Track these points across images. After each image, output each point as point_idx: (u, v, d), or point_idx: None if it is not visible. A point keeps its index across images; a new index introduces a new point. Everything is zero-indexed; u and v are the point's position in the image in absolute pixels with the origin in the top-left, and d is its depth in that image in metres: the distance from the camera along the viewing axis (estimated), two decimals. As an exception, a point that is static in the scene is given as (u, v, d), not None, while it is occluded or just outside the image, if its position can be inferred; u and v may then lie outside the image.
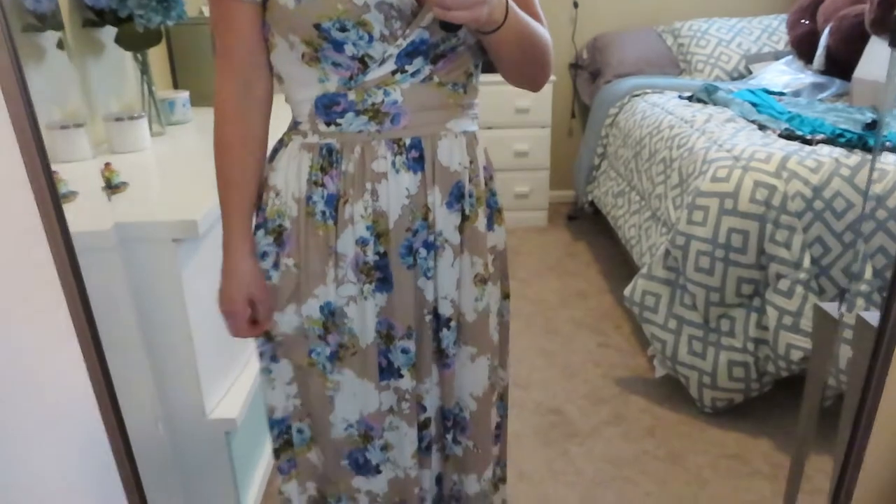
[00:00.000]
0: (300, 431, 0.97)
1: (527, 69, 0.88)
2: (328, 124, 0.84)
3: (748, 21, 3.10)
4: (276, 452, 1.01)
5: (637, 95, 2.68)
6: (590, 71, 3.24)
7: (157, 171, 1.53)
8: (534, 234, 3.08)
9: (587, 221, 3.19)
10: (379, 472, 0.97)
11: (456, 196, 0.88)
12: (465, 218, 0.89)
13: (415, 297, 0.90)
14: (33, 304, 0.77)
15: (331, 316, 0.89)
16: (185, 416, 1.25)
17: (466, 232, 0.90)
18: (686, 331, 1.73)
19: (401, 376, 0.92)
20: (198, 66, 2.14)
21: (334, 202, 0.86)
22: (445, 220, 0.88)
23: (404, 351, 0.91)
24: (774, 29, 3.05)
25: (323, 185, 0.86)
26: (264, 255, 0.90)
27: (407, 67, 0.82)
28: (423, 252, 0.88)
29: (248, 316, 0.91)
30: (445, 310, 0.91)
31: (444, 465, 1.03)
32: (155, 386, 1.21)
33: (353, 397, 0.92)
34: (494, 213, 0.96)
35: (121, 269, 1.13)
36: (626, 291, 1.85)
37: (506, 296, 1.02)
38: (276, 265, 0.90)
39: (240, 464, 1.35)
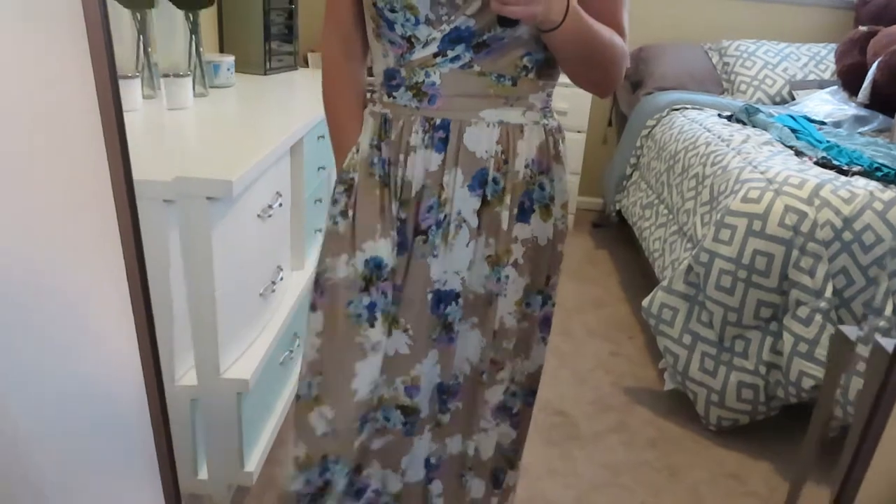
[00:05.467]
0: (309, 386, 0.99)
1: (589, 73, 0.90)
2: (389, 96, 0.92)
3: (796, 47, 3.06)
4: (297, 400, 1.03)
5: (676, 109, 2.67)
6: (631, 81, 3.22)
7: (196, 130, 1.57)
8: (556, 237, 3.07)
9: (612, 230, 3.18)
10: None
11: (479, 181, 0.91)
12: (486, 203, 0.92)
13: (422, 274, 0.93)
14: (92, 245, 0.80)
15: (374, 269, 0.93)
16: (199, 372, 1.29)
17: (485, 216, 0.93)
18: (700, 347, 1.72)
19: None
20: (245, 33, 2.17)
21: (386, 166, 0.93)
22: (464, 202, 0.91)
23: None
24: (822, 58, 3.01)
25: (379, 150, 0.93)
26: (335, 201, 0.97)
27: (448, 52, 0.86)
28: (433, 230, 0.92)
29: None
30: (455, 285, 0.94)
31: (436, 438, 1.04)
32: (173, 340, 1.24)
33: (376, 356, 0.95)
34: (538, 206, 0.95)
35: (160, 220, 1.16)
36: (645, 302, 1.85)
37: (538, 290, 1.00)
38: (343, 213, 0.96)
39: (248, 426, 1.38)
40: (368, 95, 1.00)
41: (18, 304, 0.81)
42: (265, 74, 2.21)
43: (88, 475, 0.93)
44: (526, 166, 0.93)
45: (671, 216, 2.19)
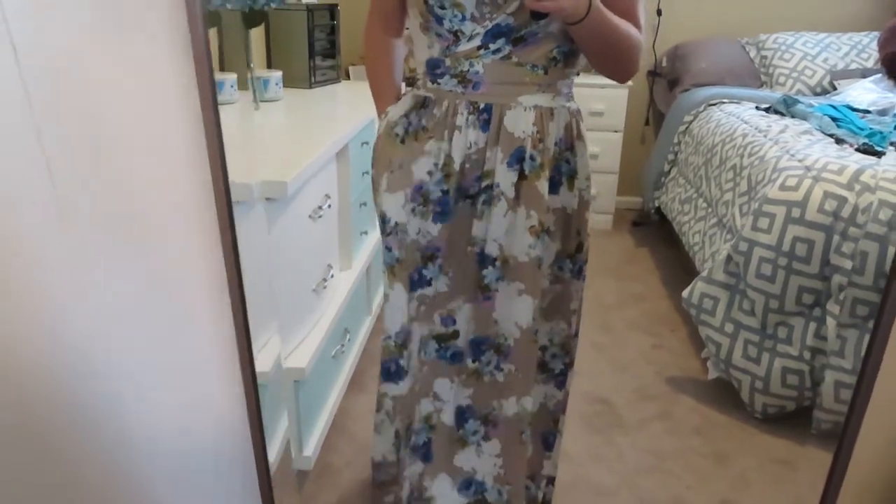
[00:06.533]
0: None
1: (609, 61, 1.03)
2: (432, 82, 1.05)
3: (837, 37, 3.03)
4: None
5: (713, 105, 2.68)
6: (668, 79, 3.23)
7: (252, 138, 1.67)
8: (598, 237, 3.10)
9: (651, 228, 3.18)
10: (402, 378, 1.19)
11: (516, 158, 1.03)
12: (523, 177, 1.05)
13: (466, 232, 1.08)
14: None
15: (395, 227, 1.10)
16: (261, 361, 1.38)
17: (523, 189, 1.05)
18: (742, 335, 1.74)
19: (429, 285, 1.11)
20: (291, 49, 2.29)
21: (414, 132, 1.07)
22: (504, 176, 1.04)
23: (436, 267, 1.11)
24: (865, 46, 2.97)
25: (408, 119, 1.08)
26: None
27: (490, 45, 0.99)
28: (481, 196, 1.06)
29: None
30: (492, 250, 1.07)
31: (482, 393, 1.16)
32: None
33: (398, 310, 1.14)
34: (566, 178, 1.09)
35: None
36: (685, 293, 1.87)
37: (568, 255, 1.14)
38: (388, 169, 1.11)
39: (304, 413, 1.46)
40: (408, 82, 1.15)
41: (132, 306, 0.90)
42: (310, 87, 2.32)
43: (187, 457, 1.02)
44: (555, 144, 1.06)
45: (710, 209, 2.21)
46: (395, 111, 1.10)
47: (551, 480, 1.33)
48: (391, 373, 1.20)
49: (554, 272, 1.13)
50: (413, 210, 1.08)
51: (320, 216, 1.53)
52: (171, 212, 0.87)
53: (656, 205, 2.89)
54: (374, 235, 2.07)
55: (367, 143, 1.93)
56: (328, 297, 1.64)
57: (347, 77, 2.85)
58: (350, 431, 1.68)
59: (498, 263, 1.07)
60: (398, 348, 1.18)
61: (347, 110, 2.10)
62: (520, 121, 1.02)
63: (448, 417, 1.17)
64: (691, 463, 1.60)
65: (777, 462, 1.61)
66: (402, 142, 1.08)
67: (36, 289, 0.88)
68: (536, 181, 1.04)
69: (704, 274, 1.84)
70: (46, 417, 0.95)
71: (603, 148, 3.07)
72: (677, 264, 2.76)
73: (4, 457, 0.96)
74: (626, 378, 1.95)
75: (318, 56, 2.38)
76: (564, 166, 1.08)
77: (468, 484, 1.20)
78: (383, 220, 1.11)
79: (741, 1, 3.26)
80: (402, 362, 1.19)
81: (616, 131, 3.07)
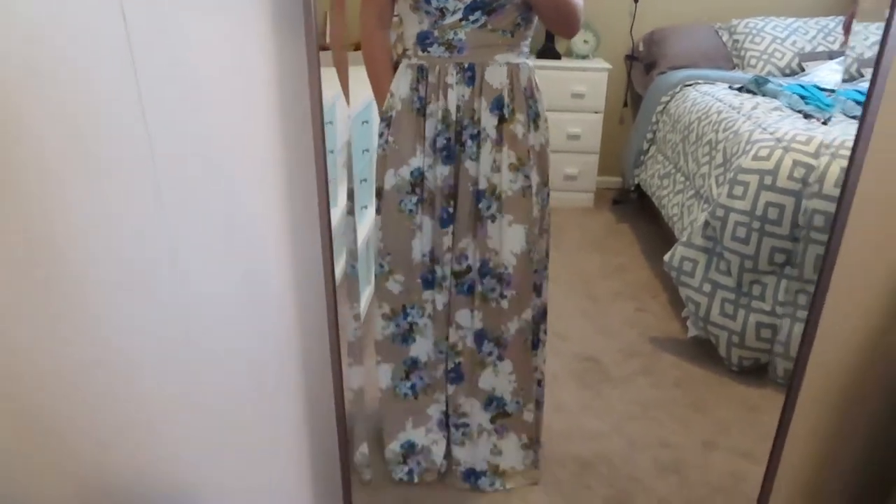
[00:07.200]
0: (381, 266, 1.46)
1: (557, 22, 1.33)
2: (423, 51, 1.32)
3: (804, 21, 3.18)
4: (376, 276, 1.51)
5: (689, 85, 2.81)
6: (645, 63, 3.36)
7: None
8: (580, 214, 3.22)
9: (631, 206, 3.31)
10: (438, 289, 1.46)
11: (496, 105, 1.33)
12: (503, 120, 1.34)
13: (466, 174, 1.36)
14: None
15: (419, 176, 1.38)
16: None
17: (504, 131, 1.34)
18: (719, 294, 1.87)
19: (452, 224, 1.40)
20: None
21: (423, 101, 1.34)
22: (487, 121, 1.34)
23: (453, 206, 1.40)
24: (831, 30, 3.13)
25: (417, 91, 1.34)
26: (381, 134, 1.40)
27: (469, 17, 1.27)
28: (469, 142, 1.35)
29: None
30: (483, 185, 1.37)
31: (490, 317, 1.42)
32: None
33: (426, 235, 1.41)
34: (532, 122, 1.38)
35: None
36: (666, 257, 2.00)
37: (544, 184, 1.43)
38: (386, 141, 1.35)
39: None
40: (401, 52, 1.36)
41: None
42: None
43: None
44: (522, 92, 1.32)
45: (688, 182, 2.34)
46: (402, 87, 1.36)
47: (539, 405, 1.58)
48: (429, 282, 1.46)
49: (537, 199, 1.38)
50: (431, 159, 1.36)
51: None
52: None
53: (636, 182, 3.02)
54: (373, 211, 2.16)
55: (367, 121, 2.01)
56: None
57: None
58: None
59: (490, 196, 1.36)
60: (433, 261, 1.44)
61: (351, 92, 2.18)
62: (496, 74, 1.31)
63: (471, 342, 1.46)
64: (674, 412, 1.73)
65: (751, 409, 1.75)
66: (417, 111, 1.36)
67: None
68: (512, 125, 1.34)
69: (684, 239, 1.97)
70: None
71: (584, 129, 3.18)
72: (657, 238, 2.89)
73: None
74: (612, 340, 2.07)
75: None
76: (530, 111, 1.37)
77: (490, 401, 1.52)
78: (411, 175, 1.37)
79: (713, -13, 3.40)
80: (437, 274, 1.46)
81: (596, 112, 3.18)
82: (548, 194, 1.46)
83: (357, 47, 2.28)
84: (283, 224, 1.00)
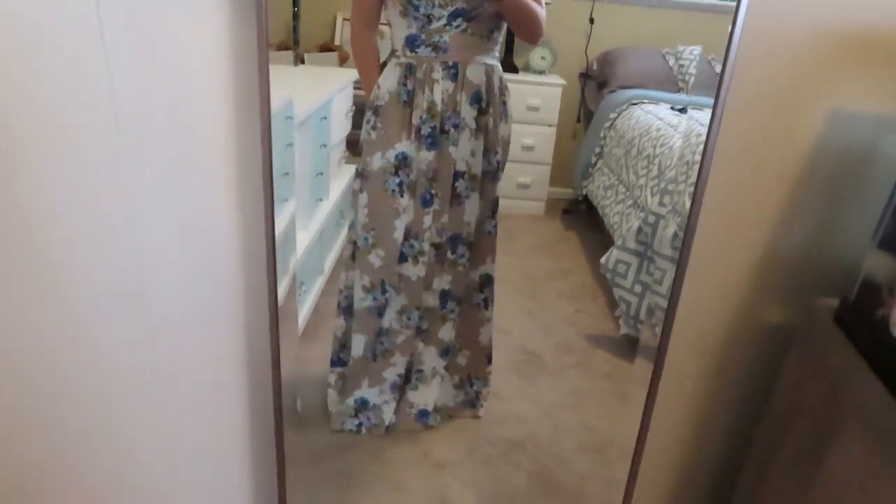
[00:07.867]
0: (366, 239, 1.64)
1: (523, 29, 1.55)
2: (411, 52, 1.53)
3: (744, 50, 3.41)
4: (352, 254, 1.68)
5: (635, 104, 3.00)
6: (598, 81, 3.55)
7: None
8: (530, 221, 3.37)
9: (580, 216, 3.48)
10: (413, 262, 1.66)
11: (475, 98, 1.56)
12: (481, 112, 1.57)
13: (447, 158, 1.57)
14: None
15: (403, 160, 1.58)
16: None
17: (481, 121, 1.58)
18: (648, 297, 2.03)
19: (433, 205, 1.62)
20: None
21: (410, 95, 1.55)
22: (467, 112, 1.56)
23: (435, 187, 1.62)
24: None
25: (405, 85, 1.55)
26: (368, 121, 1.60)
27: (453, 23, 1.48)
28: (452, 130, 1.57)
29: None
30: (461, 167, 1.61)
31: (458, 280, 1.68)
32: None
33: (409, 214, 1.60)
34: (502, 116, 1.63)
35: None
36: (603, 259, 2.15)
37: (503, 167, 1.71)
38: (373, 127, 1.59)
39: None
40: (389, 54, 1.56)
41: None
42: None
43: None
44: (496, 89, 1.53)
45: (628, 192, 2.51)
46: (390, 81, 1.55)
47: (489, 359, 1.85)
48: (405, 257, 1.67)
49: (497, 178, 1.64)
50: (416, 145, 1.56)
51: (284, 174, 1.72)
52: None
53: (584, 193, 3.19)
54: (329, 203, 2.27)
55: (325, 118, 2.12)
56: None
57: (303, 63, 3.01)
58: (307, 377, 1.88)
59: (466, 176, 1.61)
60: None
61: (308, 91, 2.29)
62: (476, 72, 1.54)
63: (434, 300, 1.70)
64: (600, 400, 1.87)
65: (672, 400, 1.90)
66: (404, 103, 1.55)
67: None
68: (486, 117, 1.57)
69: (619, 243, 2.13)
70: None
71: (537, 141, 3.34)
72: (601, 245, 3.05)
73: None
74: (551, 336, 2.21)
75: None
76: (501, 107, 1.61)
77: (447, 350, 1.76)
78: (396, 158, 1.56)
79: (660, 18, 3.62)
80: (409, 252, 1.66)
81: (550, 125, 3.35)
82: (500, 177, 1.72)
83: (321, 48, 2.41)
84: (230, 182, 1.07)
